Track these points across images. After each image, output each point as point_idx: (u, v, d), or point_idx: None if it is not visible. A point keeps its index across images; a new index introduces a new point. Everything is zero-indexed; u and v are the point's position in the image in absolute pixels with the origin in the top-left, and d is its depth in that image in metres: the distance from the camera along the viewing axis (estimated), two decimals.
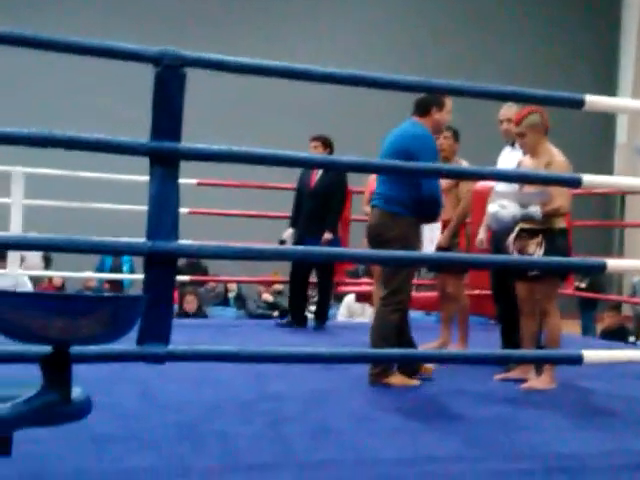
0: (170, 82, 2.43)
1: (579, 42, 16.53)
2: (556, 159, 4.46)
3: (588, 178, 3.03)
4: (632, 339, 9.56)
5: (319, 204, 6.83)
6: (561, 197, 4.37)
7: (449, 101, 4.56)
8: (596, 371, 4.69)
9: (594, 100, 2.97)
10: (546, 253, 4.37)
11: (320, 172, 6.90)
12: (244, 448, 2.98)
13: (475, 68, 13.83)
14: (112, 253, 6.20)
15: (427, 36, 15.48)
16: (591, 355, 2.95)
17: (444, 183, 5.37)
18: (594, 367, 4.87)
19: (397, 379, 4.42)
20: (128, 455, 2.76)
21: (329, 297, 7.43)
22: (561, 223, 4.50)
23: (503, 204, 4.42)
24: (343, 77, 2.79)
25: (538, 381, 4.48)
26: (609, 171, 15.14)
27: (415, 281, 10.09)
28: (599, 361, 3.07)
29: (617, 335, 8.96)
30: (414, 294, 8.46)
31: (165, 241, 2.42)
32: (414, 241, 4.52)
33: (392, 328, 4.45)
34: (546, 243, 4.40)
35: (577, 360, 2.95)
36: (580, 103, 2.94)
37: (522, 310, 4.65)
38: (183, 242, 2.55)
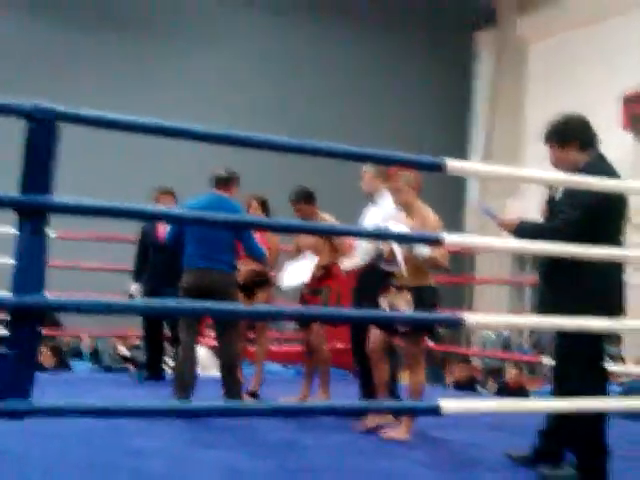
0: (42, 137, 2.39)
1: (433, 107, 17.32)
2: (430, 218, 4.62)
3: (449, 238, 3.18)
4: (481, 390, 9.91)
5: (171, 256, 6.74)
6: (439, 249, 4.40)
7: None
8: (448, 421, 4.89)
9: (453, 164, 3.13)
10: (415, 309, 4.48)
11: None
12: None
13: (336, 130, 14.19)
14: None
15: (295, 98, 15.90)
16: (449, 405, 3.05)
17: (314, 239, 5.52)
18: (446, 417, 5.10)
19: None
20: None
21: None
22: (430, 280, 4.62)
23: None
24: (221, 137, 2.83)
25: (396, 432, 4.59)
26: (461, 229, 15.78)
27: (276, 334, 10.19)
28: (456, 411, 3.19)
29: (467, 386, 9.28)
30: (275, 348, 8.53)
31: (32, 295, 2.37)
32: (237, 295, 5.58)
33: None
34: (415, 300, 4.50)
35: (435, 411, 3.05)
36: (441, 167, 3.09)
37: (372, 359, 4.76)
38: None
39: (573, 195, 3.58)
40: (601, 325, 3.40)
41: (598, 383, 3.63)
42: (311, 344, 5.74)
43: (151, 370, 6.96)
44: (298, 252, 5.88)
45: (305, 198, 5.68)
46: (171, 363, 7.41)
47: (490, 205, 3.83)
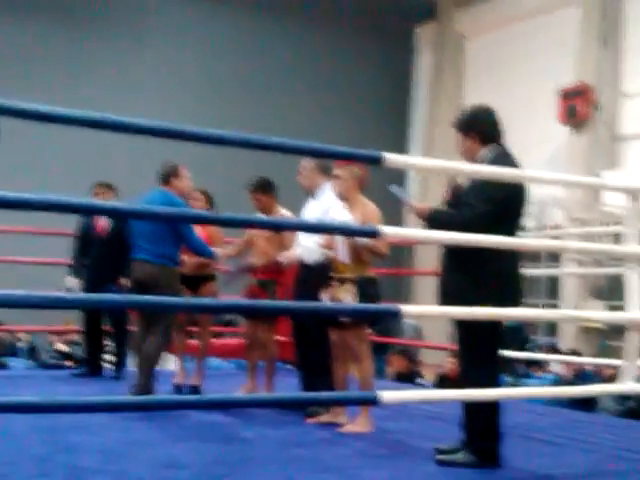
0: None
1: (375, 101, 17.44)
2: (368, 209, 4.64)
3: (385, 229, 3.21)
4: (422, 381, 9.99)
5: (112, 251, 6.69)
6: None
7: (184, 169, 5.62)
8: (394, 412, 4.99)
9: (392, 158, 3.16)
10: (358, 301, 4.49)
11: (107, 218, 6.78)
12: None
13: (279, 124, 14.16)
14: None
15: (235, 93, 15.84)
16: (387, 395, 3.09)
17: (267, 232, 5.48)
18: (393, 409, 5.13)
19: None
20: None
21: (125, 345, 7.27)
22: (370, 272, 4.64)
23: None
24: (141, 128, 2.80)
25: (356, 426, 4.59)
26: (400, 223, 15.88)
27: (215, 328, 10.11)
28: (395, 401, 3.22)
29: (408, 377, 9.34)
30: (215, 341, 8.48)
31: None
32: (179, 288, 5.51)
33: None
34: (357, 291, 4.52)
35: (373, 401, 3.08)
36: (379, 160, 3.12)
37: (335, 355, 4.77)
38: None
39: (483, 189, 3.63)
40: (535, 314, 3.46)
41: (493, 372, 3.71)
42: (260, 340, 5.67)
43: (89, 366, 6.88)
44: (249, 245, 5.81)
45: (263, 188, 5.60)
46: (109, 358, 7.34)
47: (404, 191, 3.85)
